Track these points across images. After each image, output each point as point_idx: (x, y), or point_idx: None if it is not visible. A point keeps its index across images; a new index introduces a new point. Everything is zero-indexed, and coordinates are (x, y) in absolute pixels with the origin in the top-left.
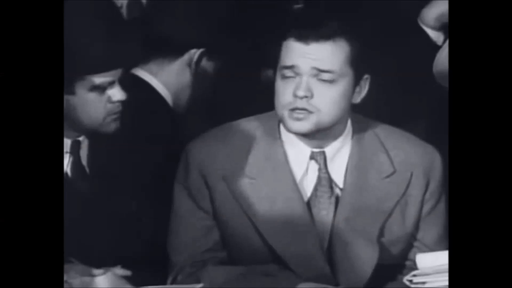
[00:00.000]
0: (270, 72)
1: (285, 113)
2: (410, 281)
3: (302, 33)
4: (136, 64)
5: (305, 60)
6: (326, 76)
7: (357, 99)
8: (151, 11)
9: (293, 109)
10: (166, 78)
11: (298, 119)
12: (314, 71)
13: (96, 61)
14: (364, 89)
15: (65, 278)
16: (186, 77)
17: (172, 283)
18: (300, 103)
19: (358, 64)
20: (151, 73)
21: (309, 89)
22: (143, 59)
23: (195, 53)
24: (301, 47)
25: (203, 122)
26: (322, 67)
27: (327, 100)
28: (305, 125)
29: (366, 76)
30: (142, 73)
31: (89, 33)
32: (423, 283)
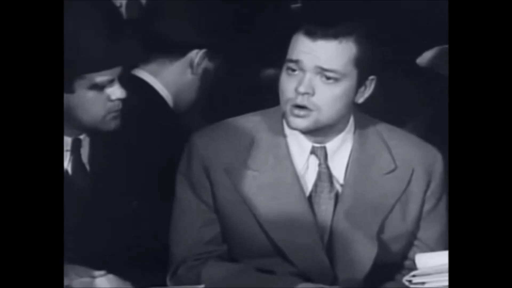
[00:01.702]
0: (271, 71)
1: (287, 108)
2: (410, 281)
3: (311, 28)
4: (136, 63)
5: (310, 56)
6: (329, 74)
7: (360, 99)
8: (151, 11)
9: (294, 106)
10: (167, 79)
11: (298, 116)
12: (318, 69)
13: (96, 59)
14: (368, 90)
15: (65, 279)
16: (187, 77)
17: (172, 275)
18: (301, 100)
19: (364, 65)
20: (151, 73)
21: (310, 86)
22: (143, 59)
23: (197, 53)
24: (308, 43)
25: (204, 122)
26: (325, 66)
27: (328, 99)
28: (304, 123)
29: (372, 77)
30: (142, 73)
31: (89, 32)
32: (423, 283)
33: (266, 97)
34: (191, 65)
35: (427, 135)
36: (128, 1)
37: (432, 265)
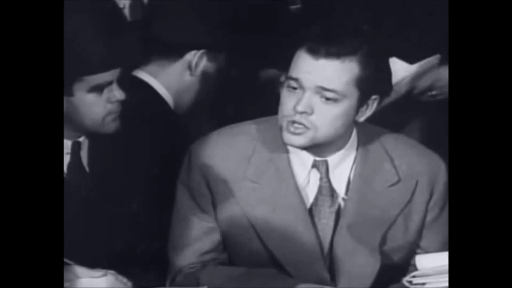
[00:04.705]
0: (271, 72)
1: (284, 124)
2: (410, 282)
3: (313, 46)
4: (136, 65)
5: (310, 75)
6: (329, 94)
7: (361, 117)
8: (152, 12)
9: (291, 122)
10: (167, 80)
11: (295, 133)
12: (318, 88)
13: (95, 61)
14: (371, 109)
15: (65, 280)
16: (186, 78)
17: (171, 283)
18: (299, 118)
19: (366, 86)
20: (151, 74)
21: (309, 106)
22: (144, 61)
23: (195, 54)
24: (310, 61)
25: (204, 123)
26: (326, 86)
27: (326, 119)
28: (300, 140)
29: (374, 96)
30: (143, 74)
31: (89, 33)
32: (423, 284)
33: (266, 98)
34: (189, 66)
35: (427, 137)
36: (132, 2)
37: (432, 266)
